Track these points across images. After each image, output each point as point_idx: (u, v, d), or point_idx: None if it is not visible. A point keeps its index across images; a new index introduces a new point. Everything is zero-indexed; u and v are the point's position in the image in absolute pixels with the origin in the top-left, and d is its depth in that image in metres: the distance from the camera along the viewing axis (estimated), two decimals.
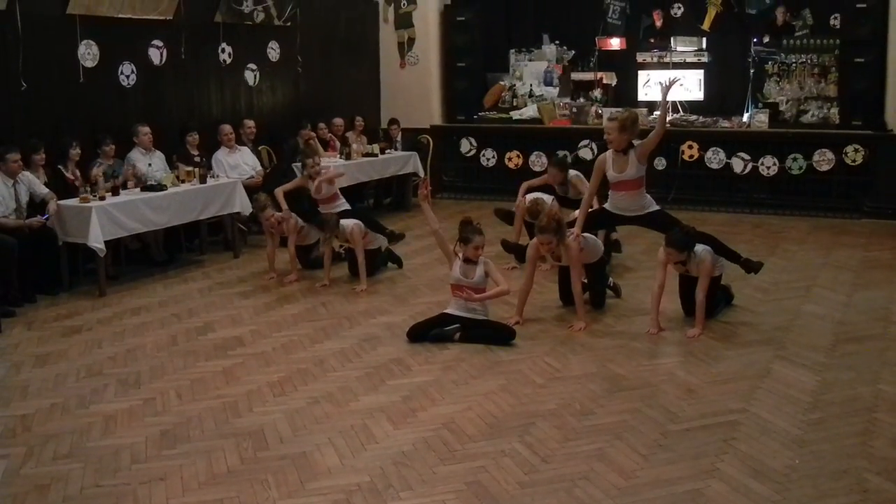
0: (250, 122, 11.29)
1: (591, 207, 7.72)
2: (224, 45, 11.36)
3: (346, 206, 9.40)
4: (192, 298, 8.36)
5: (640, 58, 13.65)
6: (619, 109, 7.33)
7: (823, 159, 11.70)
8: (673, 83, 7.61)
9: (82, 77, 9.48)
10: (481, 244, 6.85)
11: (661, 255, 7.02)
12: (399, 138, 13.19)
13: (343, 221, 8.57)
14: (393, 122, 13.40)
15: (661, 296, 7.02)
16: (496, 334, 6.82)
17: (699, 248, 6.96)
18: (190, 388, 5.99)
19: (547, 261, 7.69)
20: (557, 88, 13.94)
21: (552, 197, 9.36)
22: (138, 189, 9.10)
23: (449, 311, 6.97)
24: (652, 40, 13.81)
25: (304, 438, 5.15)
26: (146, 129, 9.73)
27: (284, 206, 9.09)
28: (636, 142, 7.39)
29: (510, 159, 13.41)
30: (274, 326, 7.41)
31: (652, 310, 7.07)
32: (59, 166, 9.00)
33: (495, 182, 13.44)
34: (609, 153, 7.41)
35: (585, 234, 7.36)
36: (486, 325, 6.90)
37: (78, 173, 9.06)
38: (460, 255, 6.88)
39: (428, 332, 6.88)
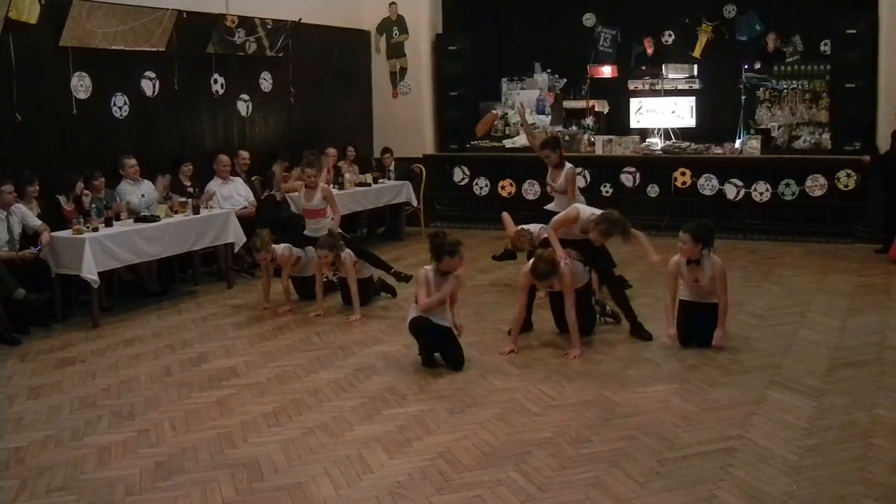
0: (245, 153, 11.31)
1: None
2: (216, 75, 11.40)
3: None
4: (186, 329, 8.33)
5: (631, 85, 13.71)
6: (610, 213, 7.41)
7: (816, 185, 11.73)
8: None
9: (75, 109, 9.50)
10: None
11: (670, 266, 7.11)
12: (392, 167, 13.20)
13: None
14: (386, 151, 13.41)
15: (675, 307, 7.19)
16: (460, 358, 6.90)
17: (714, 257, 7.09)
18: (184, 419, 5.96)
19: (538, 289, 7.69)
20: (549, 116, 13.98)
21: (539, 225, 9.35)
22: (131, 220, 9.10)
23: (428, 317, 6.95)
24: (643, 68, 13.91)
25: (299, 469, 5.12)
26: (132, 161, 9.76)
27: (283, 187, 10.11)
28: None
29: (503, 187, 13.43)
30: (268, 357, 7.38)
31: (668, 321, 7.24)
32: (61, 196, 9.01)
33: (488, 210, 13.41)
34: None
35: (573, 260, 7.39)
36: (456, 345, 6.95)
37: (73, 205, 9.06)
38: (430, 270, 6.89)
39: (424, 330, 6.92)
